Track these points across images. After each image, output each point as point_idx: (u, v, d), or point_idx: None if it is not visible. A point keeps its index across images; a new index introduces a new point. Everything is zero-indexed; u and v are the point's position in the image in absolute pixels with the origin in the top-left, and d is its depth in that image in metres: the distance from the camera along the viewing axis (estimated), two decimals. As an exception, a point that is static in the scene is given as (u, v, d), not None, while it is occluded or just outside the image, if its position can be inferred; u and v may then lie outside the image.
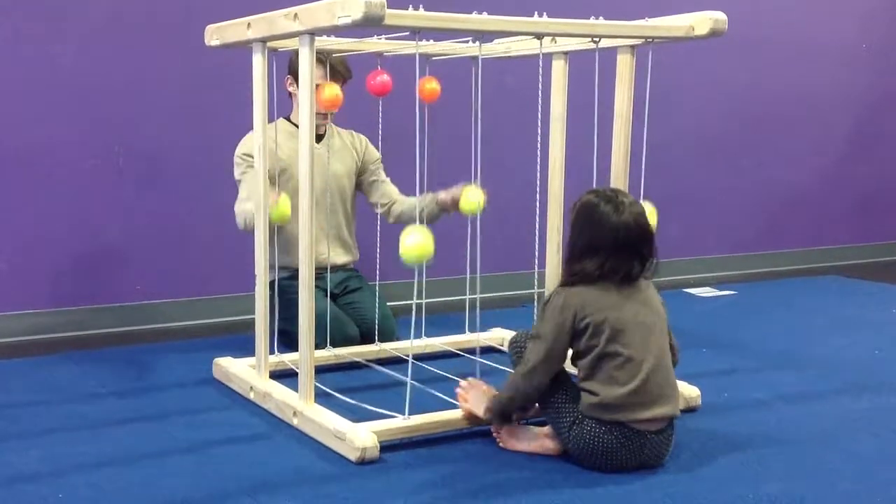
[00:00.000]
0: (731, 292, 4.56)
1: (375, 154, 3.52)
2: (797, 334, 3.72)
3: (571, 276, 2.32)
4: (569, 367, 2.36)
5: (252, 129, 2.89)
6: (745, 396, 2.89)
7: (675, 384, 2.35)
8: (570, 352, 2.35)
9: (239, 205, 3.23)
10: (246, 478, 2.25)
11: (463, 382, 2.54)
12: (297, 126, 3.30)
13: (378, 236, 3.26)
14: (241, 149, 3.29)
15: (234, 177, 3.31)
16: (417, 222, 2.36)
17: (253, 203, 2.95)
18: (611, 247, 2.28)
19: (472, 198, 2.94)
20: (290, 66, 3.30)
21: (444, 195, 3.15)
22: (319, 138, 3.42)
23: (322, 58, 3.16)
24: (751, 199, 5.19)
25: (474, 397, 2.47)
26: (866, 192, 5.57)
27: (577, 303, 2.27)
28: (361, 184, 3.54)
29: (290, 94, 3.37)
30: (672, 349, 2.39)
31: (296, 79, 3.07)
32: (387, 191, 3.50)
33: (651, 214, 2.53)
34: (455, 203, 3.10)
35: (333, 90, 2.99)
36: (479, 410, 2.44)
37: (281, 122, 3.36)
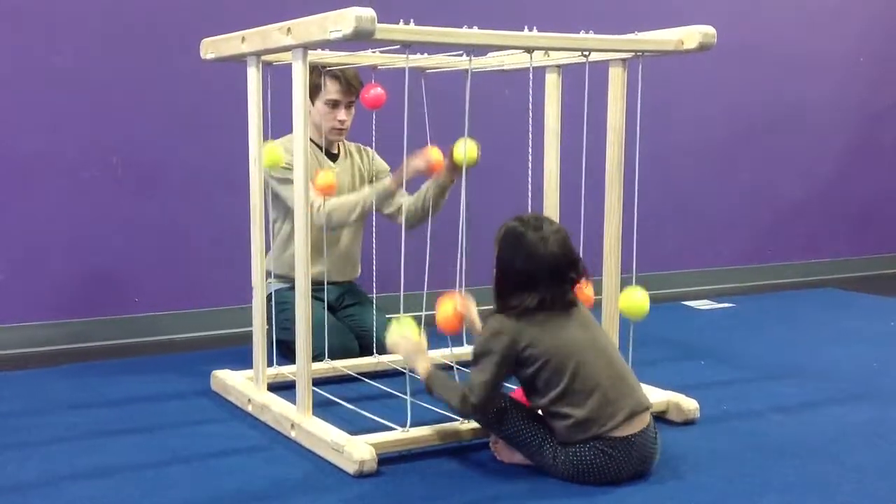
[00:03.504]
0: (730, 304, 4.57)
1: (383, 165, 3.53)
2: (795, 346, 3.72)
3: (508, 310, 2.30)
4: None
5: (247, 142, 2.88)
6: (743, 408, 2.89)
7: (635, 383, 2.34)
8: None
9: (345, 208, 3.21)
10: (244, 490, 2.25)
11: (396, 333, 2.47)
12: (314, 143, 3.34)
13: (374, 248, 3.26)
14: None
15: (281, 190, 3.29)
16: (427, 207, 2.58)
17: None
18: (546, 279, 2.28)
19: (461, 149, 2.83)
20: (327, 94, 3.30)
21: (418, 162, 3.01)
22: (335, 157, 3.44)
23: (337, 73, 3.19)
24: (749, 211, 5.20)
25: (411, 346, 2.44)
26: (864, 205, 5.58)
27: (515, 331, 2.27)
28: None
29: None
30: None
31: (311, 97, 3.08)
32: (395, 199, 3.50)
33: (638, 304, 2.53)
34: (430, 166, 3.01)
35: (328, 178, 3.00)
36: (414, 362, 2.42)
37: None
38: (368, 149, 3.52)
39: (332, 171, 3.10)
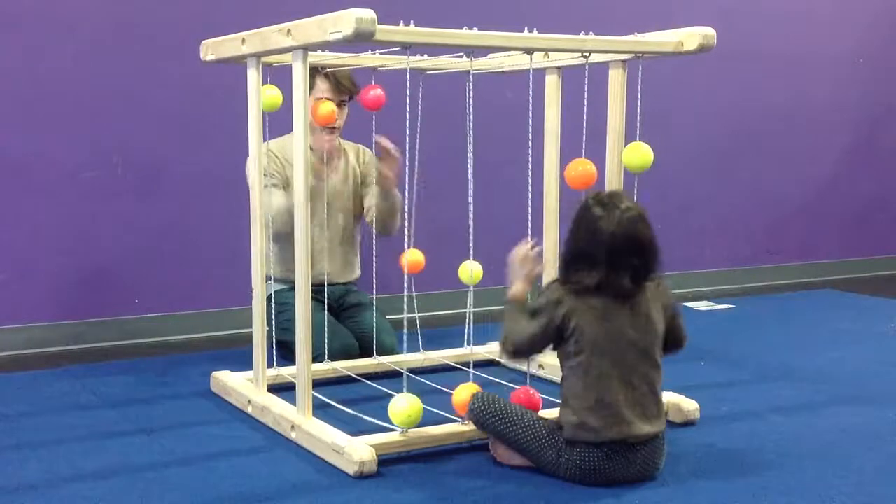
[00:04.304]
0: (729, 306, 4.57)
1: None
2: (795, 348, 3.72)
3: (569, 284, 2.27)
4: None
5: (247, 143, 2.89)
6: (743, 410, 2.90)
7: (659, 401, 2.32)
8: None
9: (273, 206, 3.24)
10: (244, 492, 2.25)
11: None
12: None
13: (375, 249, 3.26)
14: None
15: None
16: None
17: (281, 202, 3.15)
18: (604, 259, 2.21)
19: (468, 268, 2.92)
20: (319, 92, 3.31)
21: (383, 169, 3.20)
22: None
23: (328, 72, 3.20)
24: (748, 212, 5.21)
25: (523, 265, 2.41)
26: (863, 206, 5.58)
27: (570, 309, 2.24)
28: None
29: None
30: (678, 339, 2.39)
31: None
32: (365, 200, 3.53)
33: (643, 155, 2.60)
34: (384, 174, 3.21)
35: (328, 107, 3.02)
36: (514, 280, 2.40)
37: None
38: (367, 150, 3.52)
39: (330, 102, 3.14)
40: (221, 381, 3.03)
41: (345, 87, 3.30)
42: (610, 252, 2.21)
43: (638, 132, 2.72)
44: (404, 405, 2.42)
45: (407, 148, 2.48)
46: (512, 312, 2.36)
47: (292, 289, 2.69)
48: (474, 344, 3.16)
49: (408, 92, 2.43)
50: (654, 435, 2.28)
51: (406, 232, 2.55)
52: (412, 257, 2.69)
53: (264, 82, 2.85)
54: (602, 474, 2.25)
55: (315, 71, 3.21)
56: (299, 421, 2.57)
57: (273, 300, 3.33)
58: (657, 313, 2.31)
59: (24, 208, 3.61)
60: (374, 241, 3.30)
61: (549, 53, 2.92)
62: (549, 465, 2.30)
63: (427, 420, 2.56)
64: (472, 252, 2.73)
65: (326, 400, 2.80)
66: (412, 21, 2.37)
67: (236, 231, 3.38)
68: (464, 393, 2.49)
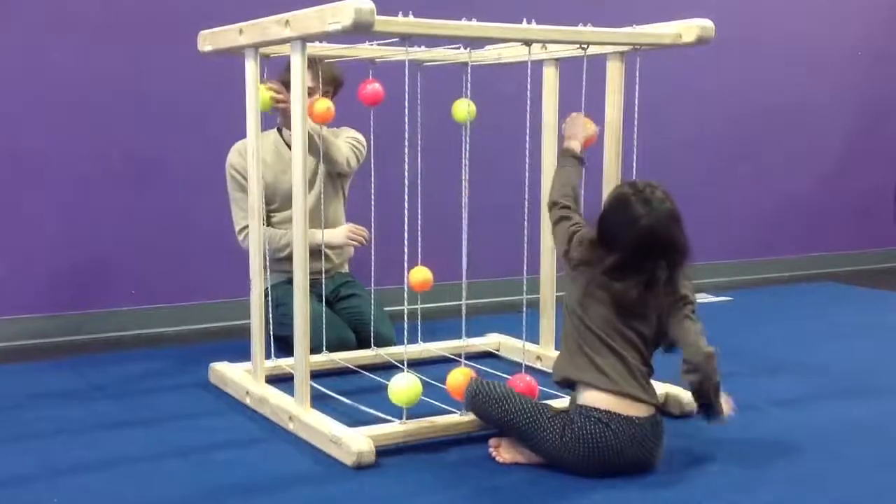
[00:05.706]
0: (728, 298, 4.57)
1: (349, 132, 3.48)
2: (794, 341, 3.72)
3: (588, 258, 2.34)
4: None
5: (244, 136, 2.89)
6: (741, 402, 2.87)
7: (645, 382, 2.35)
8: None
9: (273, 241, 3.33)
10: (242, 483, 2.26)
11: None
12: (284, 142, 3.35)
13: (373, 241, 3.26)
14: (231, 163, 3.38)
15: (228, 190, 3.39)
16: None
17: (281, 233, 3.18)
18: (628, 246, 2.29)
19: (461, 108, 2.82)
20: (279, 78, 3.29)
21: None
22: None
23: (311, 64, 3.17)
24: (747, 205, 5.20)
25: (581, 127, 2.65)
26: (863, 199, 5.58)
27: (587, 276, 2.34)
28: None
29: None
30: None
31: (286, 89, 3.07)
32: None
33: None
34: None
35: (324, 104, 2.99)
36: (571, 137, 2.64)
37: (273, 135, 3.40)
38: (343, 129, 3.47)
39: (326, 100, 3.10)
40: (220, 373, 3.03)
41: (327, 79, 3.29)
42: (635, 240, 2.30)
43: (636, 124, 2.72)
44: (404, 384, 2.43)
45: (406, 140, 2.47)
46: (560, 176, 2.58)
47: (288, 282, 2.68)
48: (473, 336, 3.16)
49: (406, 83, 2.43)
50: (650, 408, 2.30)
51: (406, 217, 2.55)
52: (420, 275, 2.67)
53: (262, 75, 2.84)
54: (606, 451, 2.24)
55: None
56: (297, 412, 2.57)
57: (269, 295, 3.32)
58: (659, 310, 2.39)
59: (23, 201, 3.61)
60: (373, 234, 3.30)
61: (547, 45, 2.92)
62: (552, 449, 2.29)
63: (425, 411, 2.56)
64: (465, 246, 2.73)
65: (325, 391, 2.80)
66: (410, 12, 2.37)
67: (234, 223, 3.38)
68: (458, 377, 2.49)
